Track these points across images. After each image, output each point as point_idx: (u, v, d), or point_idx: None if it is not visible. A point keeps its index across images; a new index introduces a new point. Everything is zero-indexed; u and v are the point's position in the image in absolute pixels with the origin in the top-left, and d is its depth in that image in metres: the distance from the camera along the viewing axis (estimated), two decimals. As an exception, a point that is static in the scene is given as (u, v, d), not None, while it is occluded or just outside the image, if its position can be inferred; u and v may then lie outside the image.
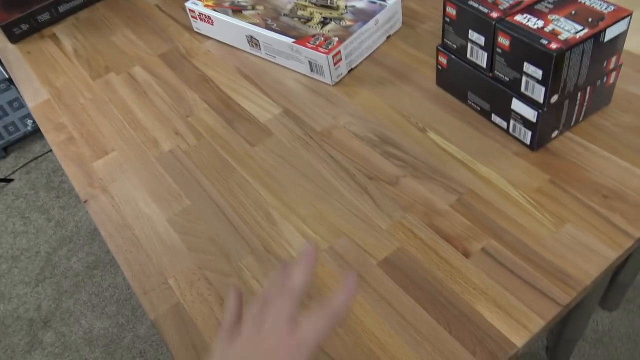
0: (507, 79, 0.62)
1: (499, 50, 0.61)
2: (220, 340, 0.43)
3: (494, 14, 0.61)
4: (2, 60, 1.05)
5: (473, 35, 0.64)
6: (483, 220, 0.59)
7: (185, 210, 0.68)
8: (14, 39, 1.07)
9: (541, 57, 0.56)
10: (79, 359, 1.40)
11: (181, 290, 0.60)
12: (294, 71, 0.84)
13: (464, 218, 0.60)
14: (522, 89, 0.61)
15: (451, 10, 0.65)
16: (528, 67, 0.58)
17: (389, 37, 0.86)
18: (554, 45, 0.55)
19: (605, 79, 0.63)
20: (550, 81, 0.57)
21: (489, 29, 0.61)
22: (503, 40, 0.60)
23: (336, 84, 0.80)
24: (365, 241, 0.60)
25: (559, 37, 0.56)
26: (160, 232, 0.66)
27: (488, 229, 0.59)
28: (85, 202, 0.72)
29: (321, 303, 0.42)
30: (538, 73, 0.58)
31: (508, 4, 0.62)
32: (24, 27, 1.07)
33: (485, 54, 0.64)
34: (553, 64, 0.55)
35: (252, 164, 0.71)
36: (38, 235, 1.73)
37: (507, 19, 0.60)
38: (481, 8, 0.62)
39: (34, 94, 0.93)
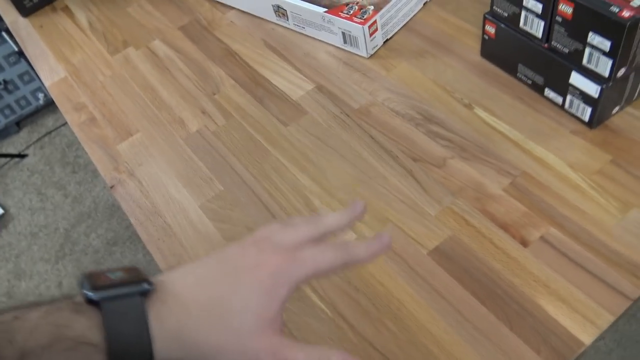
0: (567, 51, 0.57)
1: (559, 18, 0.56)
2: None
3: (555, -21, 0.55)
4: (15, 35, 1.00)
5: (529, 2, 0.58)
6: (541, 206, 0.55)
7: (219, 196, 0.64)
8: (25, 12, 1.02)
9: (611, 27, 0.51)
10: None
11: (220, 283, 0.57)
12: (326, 43, 0.78)
13: (520, 203, 0.56)
14: (585, 61, 0.56)
15: (504, -25, 0.60)
16: (593, 38, 0.53)
17: (425, 3, 0.80)
18: (626, 14, 0.50)
19: (674, 49, 0.58)
20: (619, 53, 0.52)
21: (549, -4, 0.56)
22: (565, 8, 0.54)
23: (371, 56, 0.75)
24: (414, 229, 0.56)
25: (631, 3, 0.51)
26: (193, 220, 0.63)
27: (547, 216, 0.54)
28: (112, 187, 0.69)
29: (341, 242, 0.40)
30: (605, 44, 0.52)
31: (570, -33, 0.56)
32: (35, -1, 1.02)
33: (542, 23, 0.58)
34: (625, 35, 0.50)
35: (286, 146, 0.67)
36: (56, 211, 1.72)
37: (570, -16, 0.54)
38: (539, -28, 0.56)
39: (50, 72, 0.89)
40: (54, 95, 0.85)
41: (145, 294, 0.35)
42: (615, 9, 0.51)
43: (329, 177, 0.63)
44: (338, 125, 0.68)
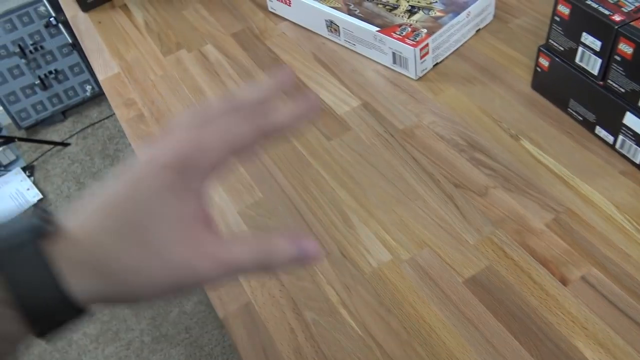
0: (623, 90, 0.56)
1: (618, 57, 0.55)
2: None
3: (617, 17, 0.55)
4: (74, 28, 1.04)
5: (587, 38, 0.58)
6: (583, 245, 0.54)
7: (257, 203, 0.65)
8: (85, 7, 1.06)
9: (672, 71, 0.50)
10: (126, 328, 1.42)
11: (252, 290, 0.57)
12: (375, 61, 0.79)
13: (562, 240, 0.55)
14: (641, 103, 0.55)
15: (564, 9, 0.59)
16: (653, 80, 0.52)
17: (478, 30, 0.80)
18: (690, 58, 0.49)
19: None
20: (679, 98, 0.51)
21: (609, 34, 0.55)
22: (625, 48, 0.54)
23: (420, 78, 0.75)
24: (451, 256, 0.56)
25: (696, 49, 0.50)
26: (230, 224, 0.64)
27: (589, 255, 0.53)
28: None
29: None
30: (665, 88, 0.51)
31: (633, 7, 0.55)
32: (96, -5, 1.05)
33: (600, 61, 0.58)
34: (687, 80, 0.49)
35: (328, 160, 0.68)
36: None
37: (632, 23, 0.54)
38: (601, 9, 0.56)
39: (104, 66, 0.92)
40: (106, 89, 0.87)
41: (43, 235, 0.31)
42: (678, 53, 0.50)
43: (368, 195, 0.63)
44: (381, 144, 0.68)
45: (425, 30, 0.73)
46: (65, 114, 2.11)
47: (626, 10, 0.55)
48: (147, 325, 1.40)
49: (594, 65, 0.59)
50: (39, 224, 0.31)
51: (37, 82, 1.97)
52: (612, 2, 0.56)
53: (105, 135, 1.99)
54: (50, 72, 1.99)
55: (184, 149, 0.31)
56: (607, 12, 0.55)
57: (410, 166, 0.65)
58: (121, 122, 0.81)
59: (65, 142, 2.00)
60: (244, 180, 0.68)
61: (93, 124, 2.04)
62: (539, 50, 0.66)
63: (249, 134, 0.32)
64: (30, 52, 1.93)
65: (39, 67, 1.97)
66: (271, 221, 0.63)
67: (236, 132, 0.32)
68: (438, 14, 0.75)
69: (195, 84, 0.83)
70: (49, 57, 1.97)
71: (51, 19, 1.92)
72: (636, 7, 0.55)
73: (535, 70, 0.68)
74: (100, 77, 0.90)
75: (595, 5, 0.56)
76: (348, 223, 0.61)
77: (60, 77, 2.02)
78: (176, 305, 1.43)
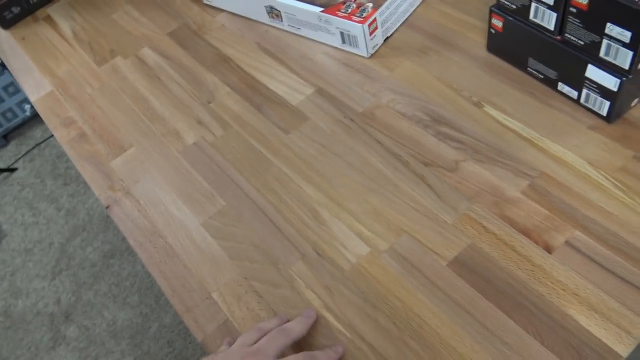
0: (582, 43, 0.54)
1: (573, 9, 0.53)
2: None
3: (567, -32, 0.52)
4: (-4, 49, 0.96)
5: (539, -7, 0.55)
6: (563, 208, 0.52)
7: (221, 212, 0.61)
8: (5, 24, 0.98)
9: (631, 17, 0.48)
10: (106, 352, 1.36)
11: (228, 306, 0.54)
12: (323, 44, 0.75)
13: (540, 206, 0.53)
14: (602, 54, 0.53)
15: (511, -34, 0.56)
16: (612, 29, 0.50)
17: (424, -2, 0.77)
18: (647, 2, 0.47)
19: (693, 35, 0.55)
20: (640, 44, 0.49)
21: (561, -14, 0.53)
22: (579, -1, 0.51)
23: (372, 56, 0.72)
24: (430, 239, 0.53)
25: (651, -9, 0.48)
26: (196, 239, 0.59)
27: (570, 218, 0.52)
28: (107, 207, 0.65)
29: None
30: (625, 35, 0.49)
31: (582, -45, 0.53)
32: (15, 10, 0.98)
33: (555, 15, 0.55)
34: (646, 24, 0.47)
35: (289, 155, 0.64)
36: (49, 225, 1.68)
37: (583, -28, 0.51)
38: (550, -39, 0.53)
39: (35, 86, 0.85)
40: (41, 110, 0.81)
41: None
42: (635, -2, 0.48)
43: (337, 187, 0.60)
44: (342, 131, 0.64)
45: (370, 5, 0.70)
46: (6, 137, 2.00)
47: (575, -41, 0.53)
48: (127, 346, 1.35)
49: (549, 20, 0.56)
50: None
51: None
52: (559, -48, 0.54)
53: (53, 154, 1.89)
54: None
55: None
56: (556, -36, 0.53)
57: (376, 150, 0.62)
58: (62, 145, 0.75)
59: (11, 167, 1.89)
60: (203, 189, 0.63)
61: (38, 144, 1.93)
62: (491, 11, 0.63)
63: (285, 344, 0.47)
64: (-42, 77, 1.81)
65: (-31, 92, 1.85)
66: (238, 229, 0.59)
67: (277, 345, 0.47)
68: (381, -15, 0.72)
69: (137, 92, 0.78)
70: (-22, 81, 1.85)
71: (-26, 39, 1.79)
72: (585, -46, 0.53)
73: (489, 32, 0.65)
74: (32, 98, 0.83)
75: (543, -42, 0.54)
76: (319, 219, 0.57)
77: (-5, 99, 1.90)
78: (155, 320, 1.38)
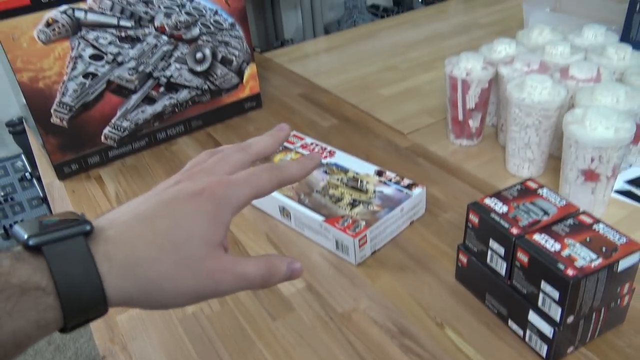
0: (525, 291, 0.66)
1: (517, 264, 0.65)
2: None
3: (514, 230, 0.66)
4: (48, 196, 1.12)
5: (494, 244, 0.68)
6: None
7: (201, 382, 0.68)
8: (62, 176, 1.15)
9: (558, 281, 0.60)
10: None
11: None
12: (320, 245, 0.88)
13: None
14: (540, 304, 0.64)
15: (474, 218, 0.71)
16: (545, 286, 0.62)
17: (412, 222, 0.92)
18: (570, 272, 0.59)
19: (619, 301, 0.66)
20: (566, 303, 0.60)
21: (509, 243, 0.66)
22: (522, 257, 0.64)
23: (360, 264, 0.84)
24: None
25: (575, 263, 0.60)
26: (172, 404, 0.66)
27: None
28: (103, 358, 0.73)
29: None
30: (555, 294, 0.61)
31: (527, 222, 0.67)
32: (74, 167, 1.16)
33: (505, 264, 0.68)
34: (570, 290, 0.59)
35: (271, 340, 0.73)
36: (36, 358, 1.70)
37: (527, 236, 0.65)
38: (502, 222, 0.67)
39: (71, 235, 0.98)
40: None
41: (86, 234, 0.35)
42: (561, 266, 0.60)
43: (306, 378, 0.67)
44: (321, 327, 0.74)
45: (364, 222, 0.84)
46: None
47: (521, 225, 0.67)
48: None
49: (501, 267, 0.69)
50: (83, 223, 0.36)
51: (1, 231, 2.00)
52: (510, 217, 0.68)
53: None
54: (16, 223, 2.03)
55: (221, 187, 0.40)
56: (506, 225, 0.67)
57: (346, 350, 0.70)
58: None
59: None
60: (189, 356, 0.71)
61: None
62: (458, 248, 0.76)
63: (270, 183, 0.43)
64: (0, 202, 1.99)
65: (5, 217, 2.01)
66: (212, 401, 0.66)
67: (259, 180, 0.42)
68: (376, 208, 0.87)
69: (155, 258, 0.90)
70: (17, 208, 2.03)
71: (26, 173, 2.01)
72: (529, 222, 0.67)
73: (457, 265, 0.77)
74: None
75: (497, 219, 0.68)
76: (284, 406, 0.64)
77: (25, 227, 2.06)
78: None
